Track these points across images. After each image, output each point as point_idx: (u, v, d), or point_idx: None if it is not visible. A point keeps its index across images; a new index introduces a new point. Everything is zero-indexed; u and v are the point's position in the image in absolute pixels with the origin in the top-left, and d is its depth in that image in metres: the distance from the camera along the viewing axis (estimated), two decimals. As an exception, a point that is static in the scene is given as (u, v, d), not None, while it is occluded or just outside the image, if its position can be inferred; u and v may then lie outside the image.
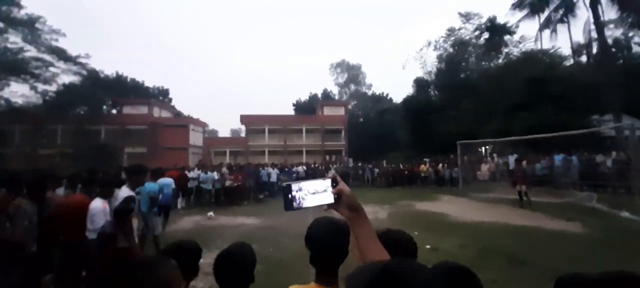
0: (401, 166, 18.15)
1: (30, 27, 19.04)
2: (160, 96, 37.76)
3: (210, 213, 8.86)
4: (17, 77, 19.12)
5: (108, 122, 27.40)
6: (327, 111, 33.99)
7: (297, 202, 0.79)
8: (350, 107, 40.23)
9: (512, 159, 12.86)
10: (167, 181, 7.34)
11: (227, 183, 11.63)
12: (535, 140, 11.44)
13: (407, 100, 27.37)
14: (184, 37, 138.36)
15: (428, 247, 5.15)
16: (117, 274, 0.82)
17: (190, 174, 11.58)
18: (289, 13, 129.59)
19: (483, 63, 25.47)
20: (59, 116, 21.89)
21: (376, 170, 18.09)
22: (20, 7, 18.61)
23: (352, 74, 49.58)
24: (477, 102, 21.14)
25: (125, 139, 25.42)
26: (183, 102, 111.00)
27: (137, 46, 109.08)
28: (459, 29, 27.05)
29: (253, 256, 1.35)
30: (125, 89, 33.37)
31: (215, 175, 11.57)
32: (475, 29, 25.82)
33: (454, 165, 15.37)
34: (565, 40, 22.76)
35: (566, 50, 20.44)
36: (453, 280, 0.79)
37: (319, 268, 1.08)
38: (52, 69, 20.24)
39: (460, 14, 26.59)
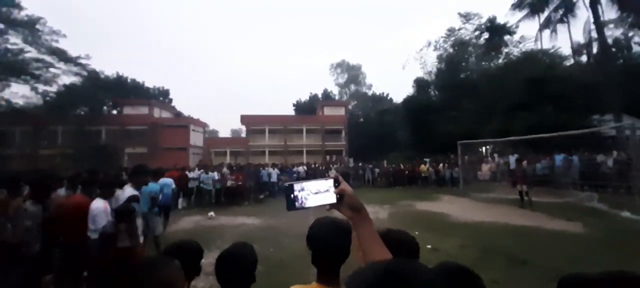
0: (402, 166, 18.14)
1: (30, 28, 19.06)
2: (161, 97, 37.79)
3: (211, 214, 8.86)
4: (18, 78, 19.14)
5: (108, 122, 27.44)
6: (328, 111, 34.00)
7: (300, 202, 0.79)
8: (350, 107, 40.25)
9: (512, 159, 12.87)
10: (167, 181, 7.35)
11: (228, 183, 11.63)
12: (535, 140, 11.43)
13: (408, 101, 27.37)
14: (184, 37, 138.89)
15: (429, 247, 5.14)
16: (121, 275, 0.82)
17: (191, 174, 11.58)
18: (289, 13, 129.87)
19: (483, 63, 25.48)
20: (60, 117, 21.90)
21: (376, 170, 18.07)
22: (20, 8, 18.65)
23: (352, 74, 49.60)
24: (477, 102, 21.14)
25: (126, 139, 25.46)
26: (183, 103, 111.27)
27: (137, 47, 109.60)
28: (459, 29, 27.09)
29: (254, 256, 1.35)
30: (125, 90, 33.39)
31: (216, 175, 11.57)
32: (475, 29, 25.85)
33: (454, 165, 15.36)
34: (565, 40, 22.84)
35: (566, 50, 20.49)
36: (456, 280, 0.79)
37: (321, 268, 1.08)
38: (52, 69, 20.30)
39: (460, 14, 26.63)
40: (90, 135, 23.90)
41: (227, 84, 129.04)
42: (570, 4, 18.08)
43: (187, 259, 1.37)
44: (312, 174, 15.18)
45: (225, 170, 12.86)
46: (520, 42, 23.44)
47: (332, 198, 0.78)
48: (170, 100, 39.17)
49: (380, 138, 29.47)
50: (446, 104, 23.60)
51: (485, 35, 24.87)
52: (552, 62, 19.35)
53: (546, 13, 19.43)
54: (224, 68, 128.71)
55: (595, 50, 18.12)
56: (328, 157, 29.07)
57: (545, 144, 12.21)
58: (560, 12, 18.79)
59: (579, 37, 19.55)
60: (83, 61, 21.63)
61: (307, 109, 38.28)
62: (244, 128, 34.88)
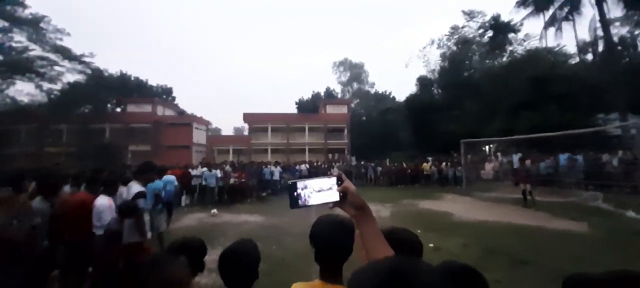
0: (404, 165, 18.09)
1: (35, 26, 19.17)
2: (164, 95, 37.89)
3: (214, 211, 8.91)
4: (23, 76, 19.28)
5: (112, 120, 27.59)
6: (330, 109, 33.95)
7: (303, 199, 0.79)
8: (353, 105, 40.15)
9: (516, 158, 12.79)
10: (170, 179, 7.42)
11: (231, 181, 11.69)
12: (539, 139, 11.35)
13: (410, 99, 27.25)
14: (184, 37, 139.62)
15: (431, 246, 5.14)
16: (129, 271, 0.83)
17: (194, 172, 11.63)
18: (289, 13, 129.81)
19: (487, 61, 25.27)
20: (64, 115, 22.04)
21: (379, 168, 18.03)
22: (24, 6, 18.76)
23: (355, 72, 49.44)
24: (480, 101, 21.01)
25: (130, 137, 25.60)
26: (186, 101, 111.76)
27: (137, 47, 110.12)
28: (463, 27, 26.88)
29: (257, 253, 1.36)
30: (129, 88, 33.53)
31: (219, 173, 11.62)
32: (479, 27, 25.64)
33: (457, 164, 15.30)
34: (570, 38, 22.53)
35: (571, 49, 20.28)
36: (460, 280, 0.79)
37: (324, 266, 1.09)
38: (57, 67, 20.38)
39: (464, 12, 26.38)
40: (94, 133, 24.04)
41: (228, 84, 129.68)
42: (575, 2, 17.91)
43: (191, 256, 1.38)
44: (315, 172, 15.19)
45: (228, 168, 12.91)
46: (524, 40, 23.26)
47: (335, 196, 0.78)
48: (174, 99, 39.28)
49: (382, 136, 29.38)
50: (449, 102, 23.48)
51: (489, 33, 24.67)
52: (556, 60, 19.17)
53: (551, 11, 19.29)
54: (224, 68, 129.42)
55: (600, 48, 17.95)
56: (330, 156, 29.06)
57: (550, 143, 12.13)
58: (566, 9, 18.63)
59: (585, 35, 19.39)
60: (87, 59, 21.74)
61: (310, 107, 38.23)
62: (246, 126, 34.95)
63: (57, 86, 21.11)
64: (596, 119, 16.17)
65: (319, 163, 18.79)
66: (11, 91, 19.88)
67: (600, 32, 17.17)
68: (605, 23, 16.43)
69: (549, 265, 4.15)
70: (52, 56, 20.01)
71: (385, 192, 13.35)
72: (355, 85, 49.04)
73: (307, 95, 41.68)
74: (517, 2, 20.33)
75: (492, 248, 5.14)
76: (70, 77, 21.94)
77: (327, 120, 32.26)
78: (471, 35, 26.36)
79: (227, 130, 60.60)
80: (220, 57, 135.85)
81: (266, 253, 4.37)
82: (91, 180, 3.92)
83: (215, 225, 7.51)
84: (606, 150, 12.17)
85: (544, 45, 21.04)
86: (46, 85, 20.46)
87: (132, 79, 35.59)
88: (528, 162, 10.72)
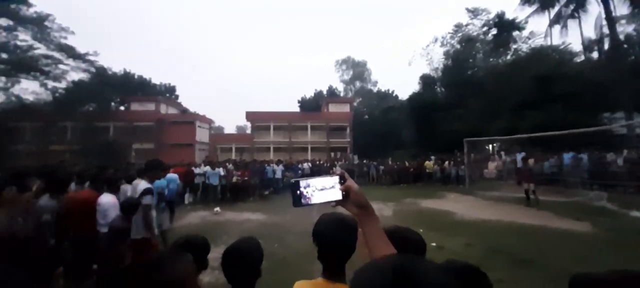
0: (406, 164, 18.04)
1: (39, 25, 19.28)
2: (167, 93, 38.03)
3: (217, 209, 8.95)
4: (28, 75, 19.42)
5: (116, 118, 27.74)
6: (333, 108, 33.91)
7: (306, 198, 0.79)
8: (355, 104, 40.04)
9: (519, 157, 12.72)
10: (173, 177, 7.47)
11: (234, 179, 11.73)
12: (544, 138, 11.26)
13: (413, 98, 27.07)
14: (184, 37, 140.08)
15: (434, 245, 5.13)
16: (135, 268, 0.84)
17: (197, 170, 11.69)
18: (289, 13, 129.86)
19: (491, 60, 25.04)
20: (69, 113, 22.21)
21: (381, 167, 18.00)
22: (29, 5, 18.87)
23: (357, 70, 49.30)
24: (484, 100, 20.83)
25: (133, 135, 25.72)
26: (188, 100, 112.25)
27: (137, 47, 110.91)
28: (467, 25, 26.63)
29: (260, 251, 1.37)
30: (132, 86, 33.70)
31: (222, 171, 11.66)
32: (483, 25, 25.40)
33: (460, 163, 15.23)
34: (576, 36, 22.24)
35: (577, 47, 20.04)
36: (463, 279, 0.79)
37: (327, 264, 1.09)
38: (61, 66, 20.49)
39: (468, 10, 26.15)
40: (98, 131, 24.22)
41: (229, 83, 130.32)
42: (581, -1, 17.71)
43: (195, 253, 1.39)
44: (317, 171, 15.20)
45: (230, 166, 12.95)
46: (529, 38, 23.00)
47: (337, 195, 0.79)
48: (177, 97, 39.41)
49: (385, 135, 29.27)
50: (452, 100, 23.30)
51: (494, 31, 24.44)
52: (561, 58, 18.95)
53: (556, 8, 19.08)
54: (225, 68, 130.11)
55: (606, 46, 17.74)
56: (333, 154, 29.06)
57: (554, 142, 12.03)
58: (571, 7, 18.43)
59: (590, 33, 19.15)
60: (91, 58, 21.86)
61: (312, 105, 38.20)
62: (249, 124, 35.01)
63: (62, 84, 21.25)
64: (601, 117, 16.00)
65: (322, 162, 18.78)
66: (16, 89, 20.02)
67: (606, 30, 16.97)
68: (611, 21, 16.23)
69: (551, 264, 4.13)
70: (56, 55, 20.13)
71: (387, 191, 13.33)
72: (357, 84, 48.93)
73: (309, 94, 41.72)
74: (521, 0, 20.14)
75: (495, 247, 5.12)
76: (75, 76, 22.09)
77: (330, 119, 32.23)
78: (475, 33, 26.13)
79: (229, 129, 60.86)
80: (221, 57, 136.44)
81: (268, 252, 4.39)
82: (95, 178, 3.95)
83: (218, 223, 7.55)
84: (611, 150, 12.05)
85: (549, 43, 20.83)
86: (51, 84, 20.59)
87: (136, 77, 35.76)
88: (531, 161, 10.65)
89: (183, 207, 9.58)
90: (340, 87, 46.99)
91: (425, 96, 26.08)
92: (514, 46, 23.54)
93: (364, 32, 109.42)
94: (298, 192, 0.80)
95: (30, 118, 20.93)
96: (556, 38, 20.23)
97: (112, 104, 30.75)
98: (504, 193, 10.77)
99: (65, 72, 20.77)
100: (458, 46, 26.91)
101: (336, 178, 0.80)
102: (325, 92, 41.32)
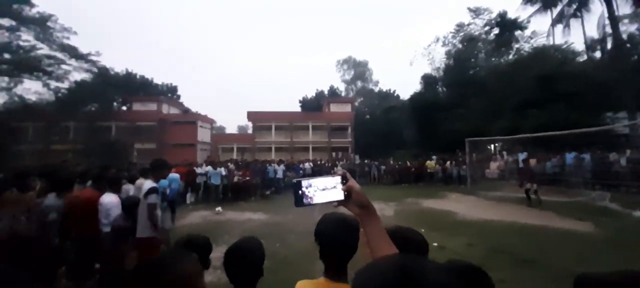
0: (408, 163, 18.01)
1: (42, 25, 19.36)
2: (169, 93, 38.13)
3: (218, 209, 8.96)
4: (30, 75, 19.51)
5: (118, 118, 27.84)
6: (334, 108, 33.89)
7: (307, 198, 0.79)
8: (357, 103, 40.01)
9: (521, 157, 12.67)
10: (175, 176, 7.50)
11: (235, 179, 11.75)
12: (546, 138, 11.22)
13: (415, 97, 26.99)
14: (184, 37, 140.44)
15: (435, 245, 5.12)
16: (140, 267, 0.84)
17: (199, 170, 11.71)
18: (289, 13, 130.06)
19: (493, 59, 24.95)
20: (71, 113, 22.30)
21: (382, 167, 17.97)
22: (31, 5, 18.96)
23: (358, 70, 49.26)
24: (486, 99, 20.77)
25: (135, 135, 25.81)
26: (191, 100, 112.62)
27: (137, 47, 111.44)
28: (468, 25, 26.53)
29: (262, 251, 1.37)
30: (134, 86, 33.80)
31: (223, 171, 11.68)
32: (485, 25, 25.30)
33: (462, 163, 15.19)
34: (578, 35, 22.07)
35: (579, 46, 19.94)
36: (465, 279, 0.79)
37: (328, 264, 1.09)
38: (64, 66, 20.55)
39: (470, 9, 26.05)
40: (100, 131, 24.30)
41: (229, 83, 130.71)
42: (584, -2, 17.63)
43: (197, 253, 1.40)
44: (318, 171, 15.20)
45: (232, 166, 12.97)
46: (531, 38, 22.87)
47: (339, 195, 0.79)
48: (178, 97, 39.50)
49: (386, 135, 29.25)
50: (454, 100, 23.24)
51: (496, 30, 24.35)
52: (564, 58, 18.85)
53: (559, 8, 19.00)
54: (225, 68, 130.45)
55: (609, 46, 17.65)
56: (334, 154, 29.05)
57: (556, 142, 11.98)
58: (574, 6, 18.36)
59: (593, 33, 19.07)
60: (93, 58, 21.93)
61: (314, 105, 38.19)
62: (250, 124, 35.04)
63: (64, 84, 21.31)
64: (604, 117, 15.93)
65: (323, 162, 18.78)
66: (19, 89, 20.12)
67: (608, 30, 16.88)
68: (614, 20, 16.14)
69: (554, 264, 4.11)
70: (59, 55, 20.20)
71: (389, 191, 13.31)
72: (359, 84, 48.88)
73: (310, 94, 41.72)
74: (524, -1, 20.09)
75: (497, 247, 5.11)
76: (77, 76, 22.15)
77: (331, 119, 32.22)
78: (477, 33, 26.02)
79: (231, 129, 60.92)
80: (222, 57, 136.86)
81: (270, 251, 4.39)
82: (98, 178, 3.97)
83: (219, 223, 7.56)
84: (614, 149, 11.99)
85: (551, 43, 20.75)
86: (53, 84, 20.66)
87: (138, 77, 35.86)
88: (533, 161, 10.60)
89: (185, 207, 9.60)
90: (341, 87, 47.01)
91: (427, 96, 26.02)
92: (516, 46, 23.44)
93: (365, 32, 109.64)
94: (300, 192, 0.80)
95: (33, 118, 21.03)
96: (558, 37, 20.19)
97: (115, 104, 30.86)
98: (506, 193, 10.73)
99: (67, 72, 20.84)
100: (460, 46, 26.82)
101: (338, 179, 0.80)
102: (326, 92, 41.30)
